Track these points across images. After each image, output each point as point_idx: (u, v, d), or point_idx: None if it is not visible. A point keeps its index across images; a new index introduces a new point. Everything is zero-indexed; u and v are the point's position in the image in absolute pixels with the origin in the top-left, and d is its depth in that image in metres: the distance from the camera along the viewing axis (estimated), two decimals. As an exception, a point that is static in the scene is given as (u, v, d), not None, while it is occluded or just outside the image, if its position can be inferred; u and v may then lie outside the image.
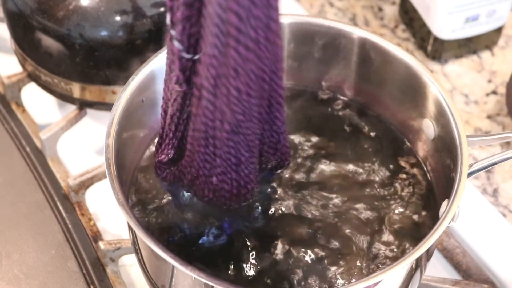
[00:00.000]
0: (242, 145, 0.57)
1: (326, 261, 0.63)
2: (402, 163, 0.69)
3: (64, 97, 0.81)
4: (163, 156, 0.62)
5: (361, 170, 0.68)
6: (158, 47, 0.69)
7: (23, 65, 0.82)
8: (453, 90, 0.86)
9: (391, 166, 0.69)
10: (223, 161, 0.58)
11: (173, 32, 0.56)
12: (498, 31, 0.89)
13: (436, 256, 0.75)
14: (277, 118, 0.60)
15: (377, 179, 0.68)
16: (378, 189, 0.67)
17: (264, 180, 0.65)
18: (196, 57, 0.57)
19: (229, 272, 0.62)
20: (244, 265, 0.62)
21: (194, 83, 0.56)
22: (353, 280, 0.62)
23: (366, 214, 0.66)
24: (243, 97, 0.55)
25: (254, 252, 0.63)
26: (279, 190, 0.66)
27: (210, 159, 0.59)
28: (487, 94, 0.86)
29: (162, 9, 0.76)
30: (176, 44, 0.57)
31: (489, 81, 0.87)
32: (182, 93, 0.59)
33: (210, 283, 0.55)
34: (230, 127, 0.56)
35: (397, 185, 0.68)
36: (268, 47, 0.53)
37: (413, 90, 0.68)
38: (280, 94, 0.58)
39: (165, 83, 0.60)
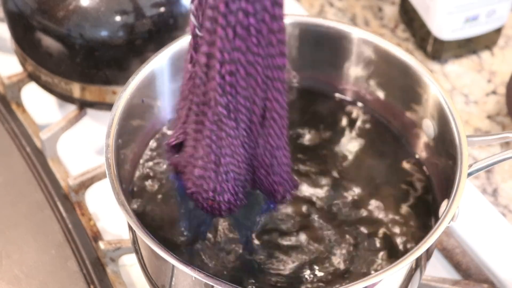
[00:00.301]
0: (223, 144, 0.55)
1: (326, 261, 0.63)
2: (402, 163, 0.69)
3: (64, 97, 0.81)
4: (172, 139, 0.60)
5: (360, 170, 0.68)
6: (158, 47, 0.69)
7: (23, 65, 0.83)
8: (453, 90, 0.86)
9: (391, 166, 0.69)
10: (204, 155, 0.56)
11: (191, 6, 0.55)
12: (498, 31, 0.89)
13: (436, 256, 0.75)
14: (271, 135, 0.56)
15: (376, 178, 0.68)
16: (377, 189, 0.67)
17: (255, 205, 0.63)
18: None
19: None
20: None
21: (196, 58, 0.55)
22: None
23: (366, 214, 0.66)
24: (227, 89, 0.53)
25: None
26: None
27: (197, 147, 0.57)
28: (487, 94, 0.86)
29: (162, 9, 0.76)
30: (192, 18, 0.55)
31: (489, 81, 0.87)
32: (194, 74, 0.57)
33: (210, 283, 0.55)
34: (212, 118, 0.54)
35: (396, 184, 0.68)
36: (261, 42, 0.51)
37: (413, 90, 0.68)
38: (275, 108, 0.55)
39: (185, 62, 0.58)
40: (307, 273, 0.62)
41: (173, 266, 0.57)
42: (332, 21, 0.70)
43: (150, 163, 0.68)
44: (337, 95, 0.73)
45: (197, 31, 0.55)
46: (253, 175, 0.59)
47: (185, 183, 0.60)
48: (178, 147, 0.61)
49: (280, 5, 0.51)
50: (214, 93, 0.53)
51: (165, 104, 0.69)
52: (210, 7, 0.51)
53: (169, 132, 0.70)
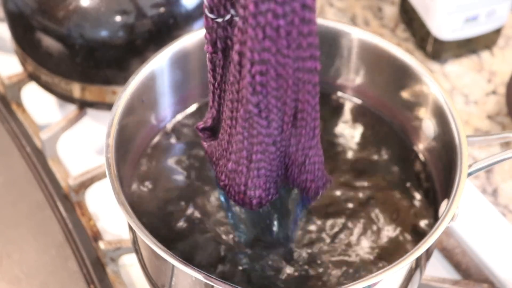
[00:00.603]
0: (255, 142, 0.55)
1: (325, 259, 0.63)
2: (402, 163, 0.69)
3: (64, 97, 0.81)
4: (200, 122, 0.61)
5: (360, 170, 0.68)
6: (158, 47, 0.69)
7: (23, 65, 0.83)
8: (453, 90, 0.86)
9: (391, 166, 0.69)
10: (237, 150, 0.57)
11: None
12: (498, 31, 0.89)
13: (436, 256, 0.75)
14: (303, 135, 0.57)
15: (376, 178, 0.68)
16: (377, 189, 0.67)
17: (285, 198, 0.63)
18: (219, 19, 0.55)
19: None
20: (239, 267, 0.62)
21: (225, 54, 0.55)
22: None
23: (366, 213, 0.66)
24: (258, 88, 0.53)
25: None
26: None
27: (231, 141, 0.57)
28: (487, 94, 0.86)
29: (162, 9, 0.76)
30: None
31: (489, 81, 0.87)
32: (210, 56, 0.58)
33: (210, 283, 0.55)
34: (244, 115, 0.54)
35: (396, 184, 0.68)
36: (291, 45, 0.51)
37: (413, 90, 0.68)
38: (306, 110, 0.55)
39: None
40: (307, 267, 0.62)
41: (173, 266, 0.57)
42: (332, 21, 0.70)
43: (150, 163, 0.68)
44: (337, 94, 0.73)
45: (206, 11, 0.56)
46: (286, 171, 0.59)
47: (218, 175, 0.60)
48: (209, 131, 0.61)
49: (310, 9, 0.51)
50: (246, 92, 0.53)
51: (165, 104, 0.70)
52: (241, 6, 0.51)
53: (171, 125, 0.70)
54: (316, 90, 0.54)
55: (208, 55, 0.58)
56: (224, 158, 0.59)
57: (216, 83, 0.59)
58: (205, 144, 0.63)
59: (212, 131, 0.62)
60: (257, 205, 0.60)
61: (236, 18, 0.52)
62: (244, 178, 0.58)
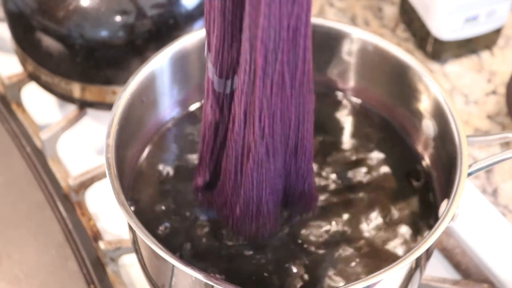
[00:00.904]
0: (264, 180, 0.57)
1: (324, 258, 0.63)
2: (402, 163, 0.69)
3: (64, 97, 0.81)
4: (200, 180, 0.63)
5: (360, 170, 0.69)
6: (158, 47, 0.69)
7: (23, 65, 0.83)
8: (453, 90, 0.86)
9: (390, 166, 0.69)
10: (246, 193, 0.58)
11: (208, 55, 0.57)
12: (498, 31, 0.89)
13: (436, 256, 0.75)
14: (303, 161, 0.60)
15: (376, 178, 0.68)
16: (377, 189, 0.67)
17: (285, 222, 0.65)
18: (228, 87, 0.57)
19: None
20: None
21: (231, 112, 0.57)
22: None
23: (365, 213, 0.66)
24: (266, 132, 0.55)
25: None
26: None
27: (237, 189, 0.59)
28: (487, 94, 0.86)
29: (162, 9, 0.76)
30: (210, 73, 0.57)
31: (489, 81, 0.87)
32: (215, 121, 0.59)
33: (210, 283, 0.55)
34: (254, 163, 0.56)
35: (396, 184, 0.68)
36: (295, 86, 0.54)
37: (413, 90, 0.68)
38: (307, 137, 0.58)
39: (204, 107, 0.60)
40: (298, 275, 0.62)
41: (173, 266, 0.57)
42: (332, 21, 0.70)
43: (150, 163, 0.68)
44: (337, 95, 0.73)
45: (215, 87, 0.57)
46: (286, 201, 0.62)
47: (225, 221, 0.62)
48: (205, 186, 0.63)
49: (306, 46, 0.53)
50: (255, 139, 0.55)
51: (165, 104, 0.70)
52: (246, 62, 0.53)
53: (171, 125, 0.70)
54: (313, 113, 0.57)
55: (212, 122, 0.60)
56: (229, 205, 0.61)
57: (218, 144, 0.61)
58: (199, 194, 0.64)
59: (208, 185, 0.64)
60: (268, 238, 0.62)
61: None
62: (255, 218, 0.60)
